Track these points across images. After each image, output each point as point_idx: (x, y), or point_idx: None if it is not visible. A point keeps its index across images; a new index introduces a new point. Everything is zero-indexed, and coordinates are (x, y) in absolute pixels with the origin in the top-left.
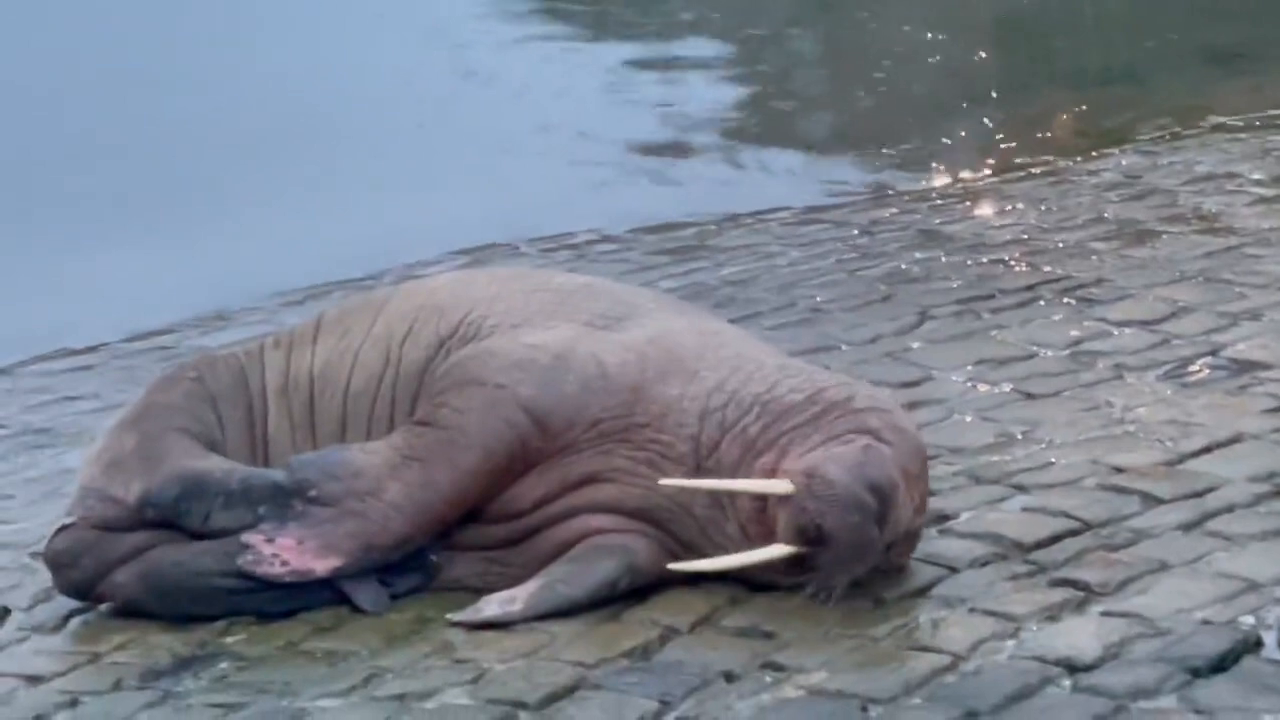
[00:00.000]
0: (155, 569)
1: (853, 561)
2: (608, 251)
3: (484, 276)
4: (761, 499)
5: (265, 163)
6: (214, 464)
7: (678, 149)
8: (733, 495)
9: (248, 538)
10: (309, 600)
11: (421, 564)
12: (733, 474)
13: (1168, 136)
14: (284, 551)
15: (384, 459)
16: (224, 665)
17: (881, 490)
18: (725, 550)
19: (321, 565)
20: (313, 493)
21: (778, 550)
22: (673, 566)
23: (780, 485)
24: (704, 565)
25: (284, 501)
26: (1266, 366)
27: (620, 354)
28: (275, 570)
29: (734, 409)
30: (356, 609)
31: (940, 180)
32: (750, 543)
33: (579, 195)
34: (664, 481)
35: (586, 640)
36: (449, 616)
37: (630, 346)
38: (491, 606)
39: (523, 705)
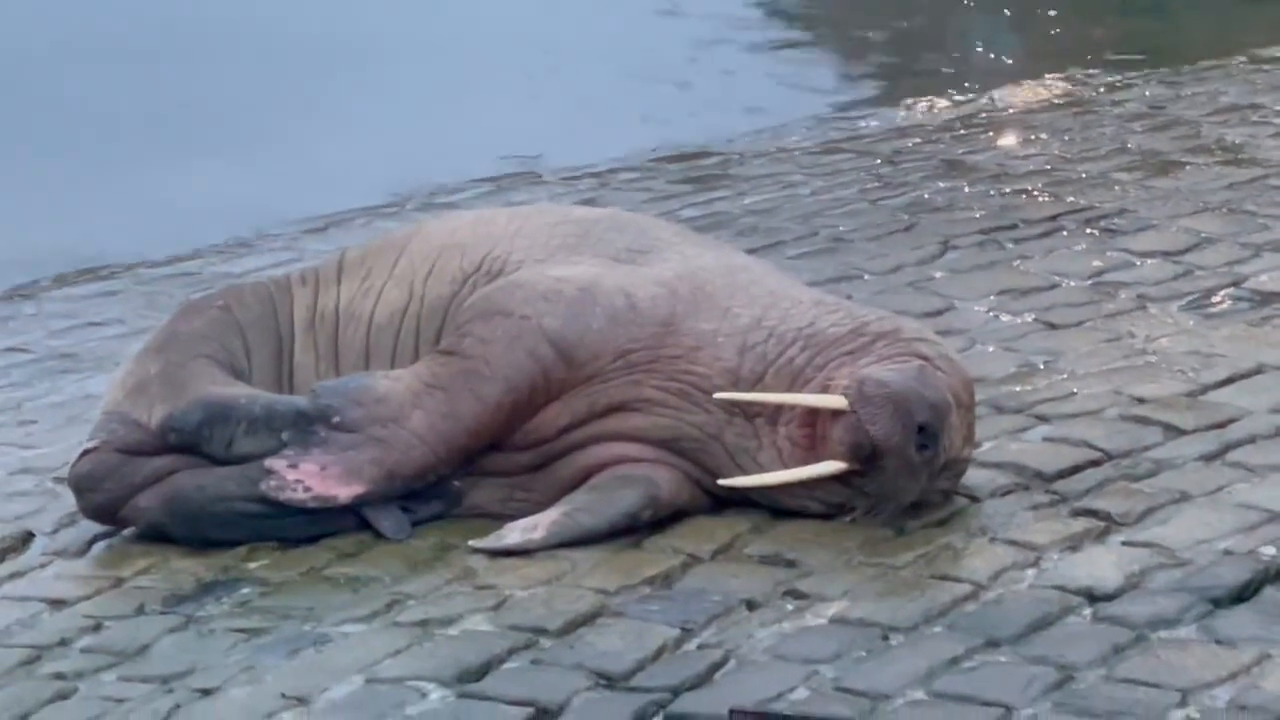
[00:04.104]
0: (178, 493)
1: (903, 482)
2: (630, 180)
3: (504, 215)
4: (809, 425)
5: (287, 89)
6: (238, 390)
7: (701, 70)
8: (776, 421)
9: (271, 463)
10: (331, 526)
11: (443, 490)
12: (779, 405)
13: (1192, 67)
14: (307, 477)
15: (408, 386)
16: (247, 590)
17: (937, 407)
18: None
19: (344, 492)
20: (336, 419)
21: (828, 466)
22: (723, 482)
23: (834, 400)
24: (753, 480)
25: (307, 427)
26: None
27: (650, 288)
28: (298, 496)
29: (775, 344)
30: (379, 535)
31: (963, 110)
32: (786, 468)
33: (602, 121)
34: (718, 395)
35: (608, 567)
36: (471, 543)
37: (660, 281)
38: (513, 534)
39: (544, 632)
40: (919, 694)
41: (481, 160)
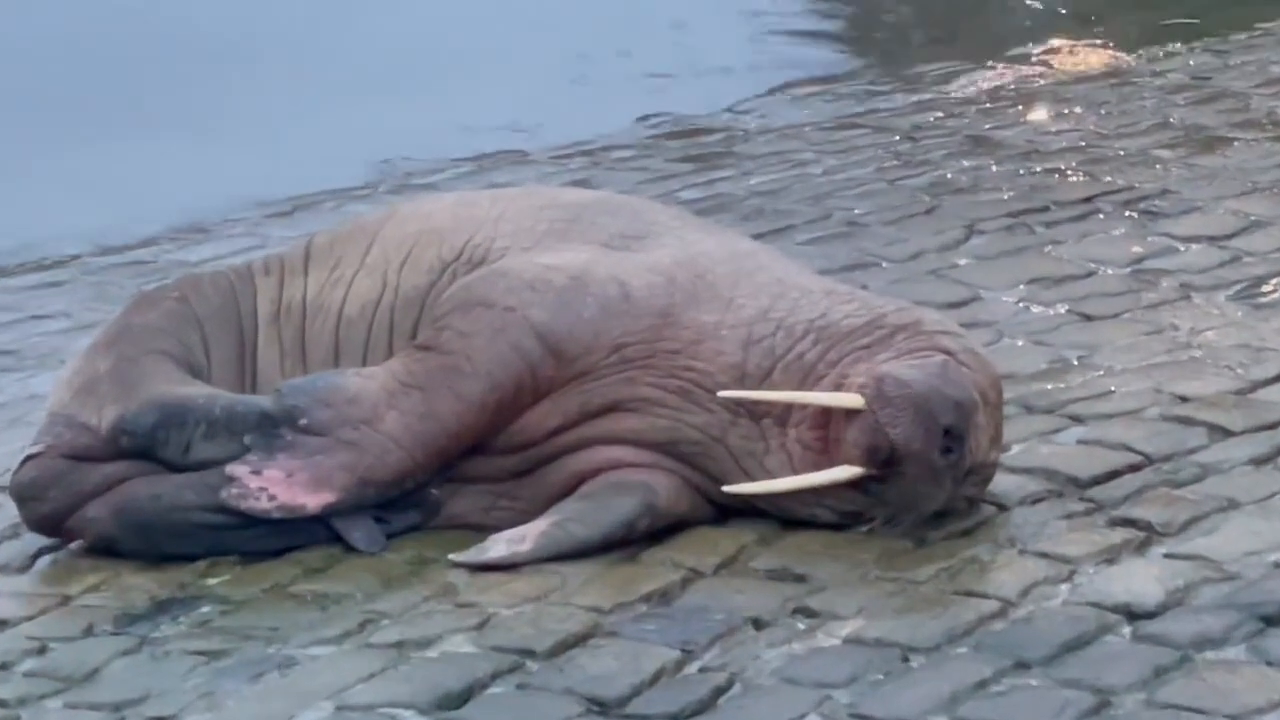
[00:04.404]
0: (131, 503)
1: (924, 489)
2: (625, 159)
3: (486, 198)
4: (821, 426)
5: (251, 60)
6: (196, 390)
7: (701, 38)
8: (785, 422)
9: (232, 469)
10: (298, 538)
11: (421, 499)
12: (789, 405)
13: (1240, 34)
14: (272, 485)
15: (381, 385)
16: (206, 609)
17: (962, 406)
18: None
19: (313, 500)
20: (303, 421)
21: (843, 472)
22: (728, 489)
23: (849, 399)
24: (760, 487)
25: (272, 430)
26: None
27: (646, 277)
28: (262, 505)
29: (784, 337)
30: (350, 548)
31: (990, 81)
32: (797, 473)
33: (596, 93)
34: (722, 394)
35: (601, 583)
36: (451, 557)
37: (656, 269)
38: (498, 546)
39: (531, 654)
40: None
41: (462, 137)
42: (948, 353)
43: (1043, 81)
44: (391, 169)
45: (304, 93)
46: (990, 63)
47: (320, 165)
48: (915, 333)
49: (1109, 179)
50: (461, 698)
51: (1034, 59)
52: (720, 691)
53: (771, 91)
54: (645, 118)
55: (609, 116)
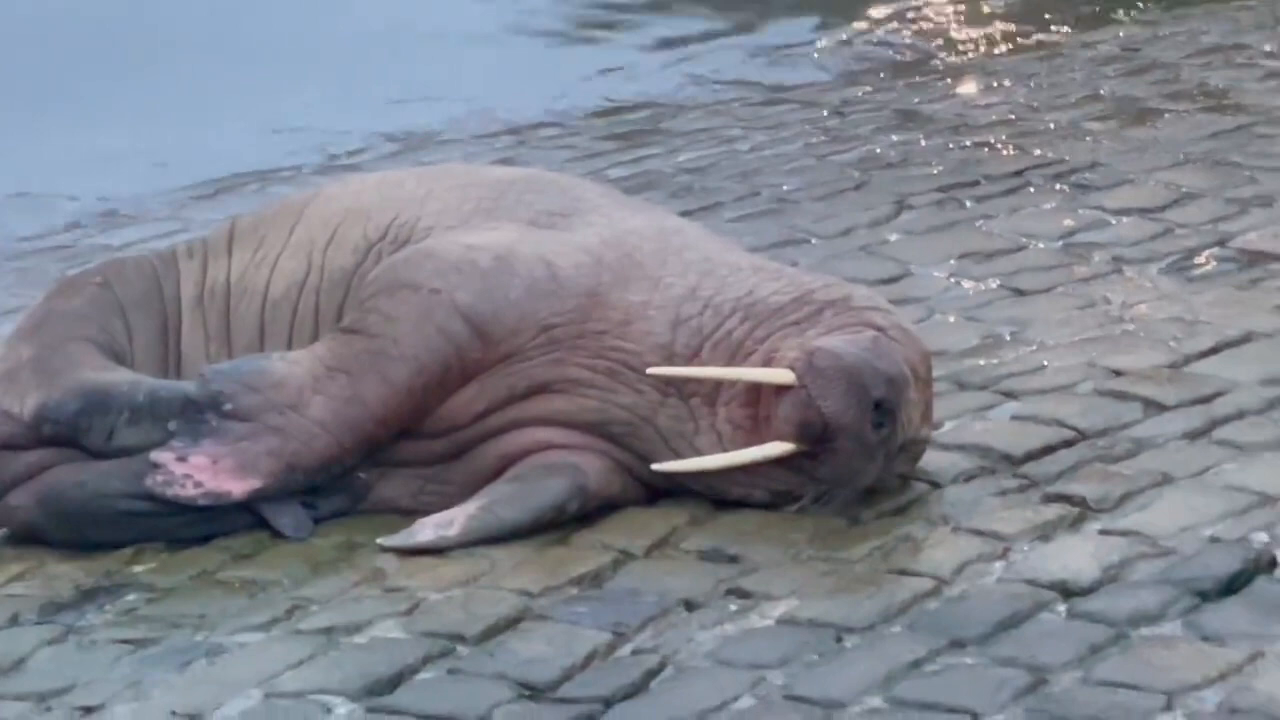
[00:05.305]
0: (55, 491)
1: (857, 464)
2: (551, 137)
3: (412, 177)
4: (751, 404)
5: (173, 40)
6: (119, 376)
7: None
8: (714, 401)
9: (157, 456)
10: (225, 525)
11: (349, 484)
12: (719, 383)
13: (1170, 4)
14: (197, 471)
15: (307, 369)
16: (132, 597)
17: (894, 381)
18: None
19: (239, 486)
20: (228, 406)
21: (774, 448)
22: (657, 467)
23: (780, 374)
24: (691, 464)
25: (196, 416)
26: (1279, 258)
27: (573, 256)
28: (187, 492)
29: (711, 315)
30: (277, 534)
31: (918, 55)
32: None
33: (520, 73)
34: (652, 370)
35: (531, 566)
36: (379, 541)
37: (584, 248)
38: (426, 530)
39: (461, 638)
40: (877, 701)
41: (387, 116)
42: (877, 328)
43: (970, 55)
44: (315, 150)
45: (226, 73)
46: (917, 36)
47: (244, 147)
48: (844, 309)
49: (1039, 152)
50: (392, 683)
51: (961, 30)
52: (653, 674)
53: (700, 77)
54: (568, 95)
55: (535, 94)
